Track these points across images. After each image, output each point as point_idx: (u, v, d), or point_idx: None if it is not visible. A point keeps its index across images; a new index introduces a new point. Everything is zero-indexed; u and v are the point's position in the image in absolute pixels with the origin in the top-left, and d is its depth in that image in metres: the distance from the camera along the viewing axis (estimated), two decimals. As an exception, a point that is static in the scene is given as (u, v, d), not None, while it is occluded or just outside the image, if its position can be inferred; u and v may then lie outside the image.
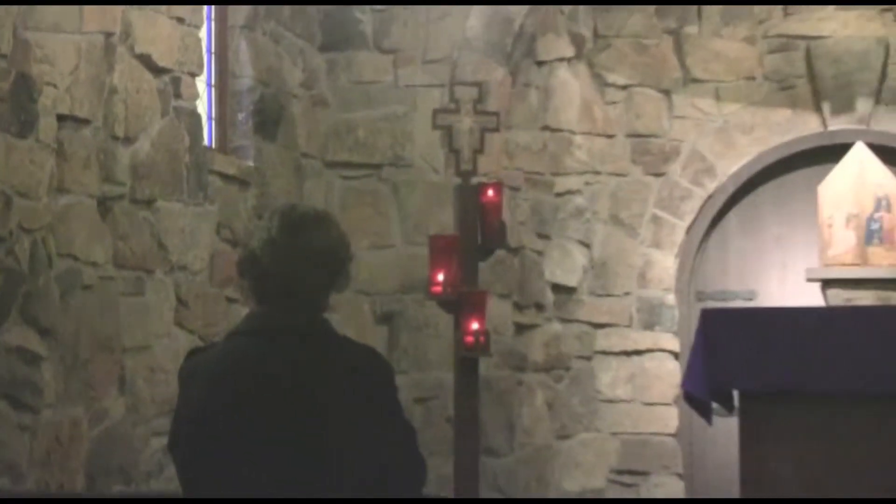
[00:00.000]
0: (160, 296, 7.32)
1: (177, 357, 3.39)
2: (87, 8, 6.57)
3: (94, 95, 6.67)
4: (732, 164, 10.75)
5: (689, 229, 10.76)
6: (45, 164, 6.26)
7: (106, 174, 6.77)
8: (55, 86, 6.32)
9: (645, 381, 10.63)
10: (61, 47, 6.37)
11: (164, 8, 7.33)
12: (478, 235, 8.40)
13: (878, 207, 9.91)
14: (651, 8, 10.78)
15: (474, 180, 8.51)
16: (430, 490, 3.87)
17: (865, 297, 9.72)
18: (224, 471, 3.45)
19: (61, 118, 6.37)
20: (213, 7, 8.42)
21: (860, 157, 9.99)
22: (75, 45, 6.49)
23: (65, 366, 6.34)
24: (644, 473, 10.56)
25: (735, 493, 7.99)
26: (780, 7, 10.76)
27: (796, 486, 7.76)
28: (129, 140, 6.99)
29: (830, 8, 10.68)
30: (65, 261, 6.40)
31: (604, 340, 10.64)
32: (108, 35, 6.79)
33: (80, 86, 6.53)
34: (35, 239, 6.15)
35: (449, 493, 8.09)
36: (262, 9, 8.77)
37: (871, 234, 9.89)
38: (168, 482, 6.66)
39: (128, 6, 6.97)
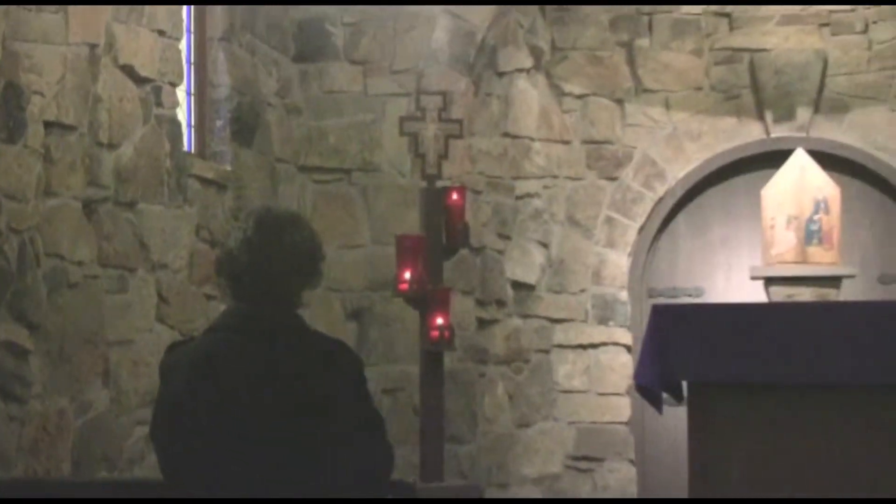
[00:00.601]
0: (142, 293, 7.30)
1: (158, 351, 3.38)
2: (73, 20, 6.55)
3: (80, 103, 6.64)
4: (681, 169, 10.78)
5: (640, 230, 10.78)
6: (33, 168, 6.23)
7: (91, 178, 6.75)
8: (42, 94, 6.29)
9: (599, 372, 10.64)
10: (48, 58, 6.35)
11: (145, 21, 7.31)
12: (442, 236, 8.40)
13: (816, 210, 9.92)
14: (605, 21, 10.80)
15: (439, 184, 8.52)
16: (398, 475, 3.87)
17: (805, 294, 9.73)
18: (203, 458, 3.47)
19: (48, 125, 6.35)
20: (192, 20, 8.40)
21: (800, 163, 10.01)
22: (61, 56, 6.47)
23: (51, 359, 6.32)
24: (599, 459, 10.57)
25: (683, 477, 7.98)
26: (725, 21, 10.79)
27: (741, 471, 7.79)
28: (112, 146, 6.96)
29: (772, 22, 10.74)
30: (51, 260, 6.37)
31: (561, 335, 10.64)
32: (93, 46, 6.77)
33: (67, 94, 6.51)
34: (23, 239, 6.12)
35: (415, 479, 8.09)
36: (238, 22, 8.75)
37: (810, 235, 9.91)
38: (150, 469, 6.62)
39: (111, 20, 6.95)
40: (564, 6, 10.73)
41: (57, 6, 6.42)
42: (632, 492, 10.54)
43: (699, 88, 10.81)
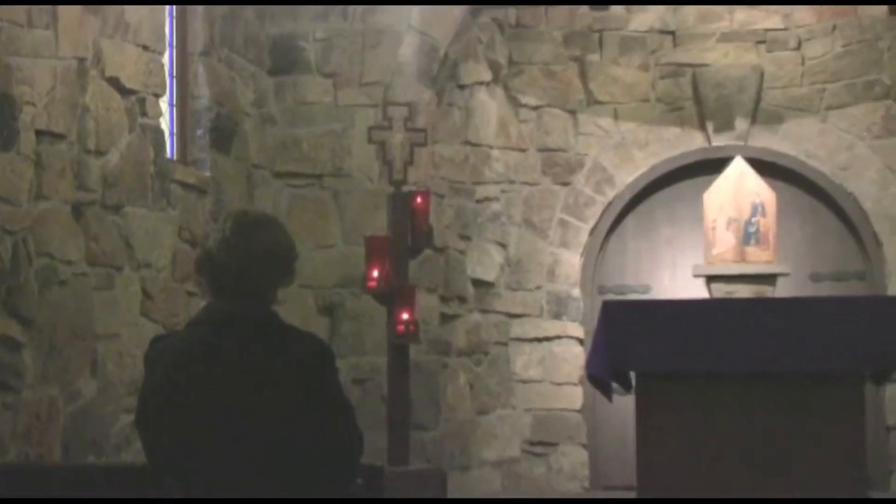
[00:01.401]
0: (128, 290, 7.26)
1: (142, 343, 3.39)
2: (63, 36, 6.52)
3: (69, 113, 6.61)
4: (629, 175, 10.82)
5: (591, 231, 10.81)
6: (25, 173, 6.20)
7: (79, 183, 6.71)
8: (34, 104, 6.26)
9: (554, 363, 10.66)
10: (39, 71, 6.32)
11: (130, 36, 7.27)
12: (408, 237, 8.40)
13: (754, 213, 9.98)
14: (559, 38, 10.83)
15: (405, 189, 8.51)
16: (367, 460, 3.87)
17: (743, 291, 9.79)
18: (185, 444, 3.44)
19: (39, 133, 6.31)
20: (174, 35, 8.37)
21: (739, 169, 10.07)
22: (52, 69, 6.44)
23: (43, 352, 6.29)
24: (553, 444, 10.60)
25: (631, 460, 8.01)
26: (669, 38, 10.85)
27: (684, 454, 7.82)
28: (100, 153, 6.93)
29: (713, 39, 10.79)
30: (43, 259, 6.34)
31: (518, 328, 10.66)
32: (81, 60, 6.74)
33: (57, 105, 6.47)
34: (16, 240, 6.08)
35: (383, 463, 8.09)
36: (217, 37, 8.73)
37: (748, 236, 9.96)
38: (136, 454, 6.61)
39: (99, 35, 6.93)
40: (522, 25, 10.77)
41: (48, 22, 6.40)
42: (584, 474, 10.57)
43: (646, 100, 10.85)
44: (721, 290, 9.84)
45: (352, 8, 9.58)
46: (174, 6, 8.39)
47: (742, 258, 9.92)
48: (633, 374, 8.03)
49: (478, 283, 10.51)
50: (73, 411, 6.59)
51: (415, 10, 9.54)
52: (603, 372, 7.95)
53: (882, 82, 10.50)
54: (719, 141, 10.70)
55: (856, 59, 10.57)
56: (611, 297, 10.22)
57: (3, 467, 4.98)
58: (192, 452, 3.43)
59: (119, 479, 4.33)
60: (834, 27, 10.67)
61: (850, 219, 10.58)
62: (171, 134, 8.32)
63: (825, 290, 10.45)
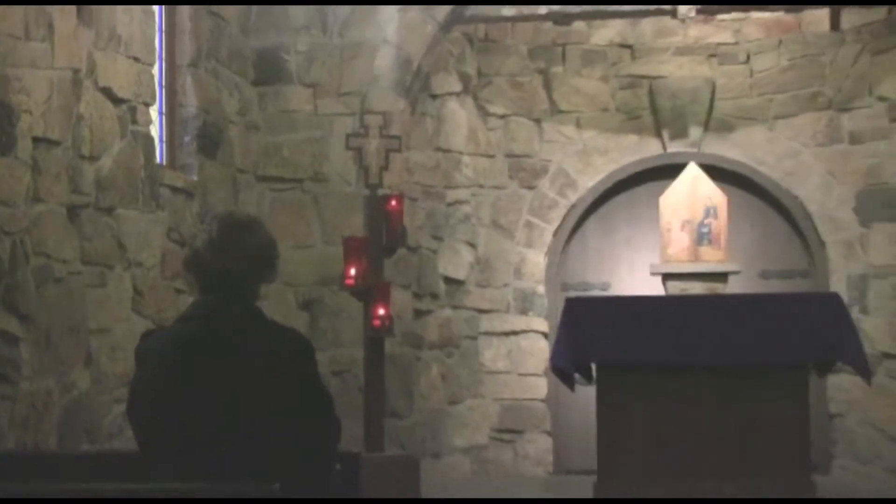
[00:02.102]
0: (119, 287, 7.23)
1: (134, 338, 3.38)
2: (59, 48, 6.49)
3: (64, 121, 6.58)
4: (590, 180, 10.85)
5: (555, 232, 10.84)
6: (23, 177, 6.17)
7: (74, 186, 6.68)
8: (31, 113, 6.23)
9: (520, 356, 10.69)
10: (36, 81, 6.29)
11: (122, 48, 7.25)
12: (383, 237, 8.41)
13: (707, 215, 9.98)
14: (525, 51, 10.86)
15: (380, 192, 8.53)
16: (344, 446, 3.87)
17: (697, 288, 9.80)
18: (173, 432, 3.45)
19: (36, 140, 6.28)
20: (163, 48, 8.35)
21: (693, 174, 10.08)
22: (48, 79, 6.41)
23: (39, 345, 6.26)
24: (519, 431, 10.62)
25: (592, 447, 8.06)
26: (628, 52, 10.89)
27: (642, 441, 7.87)
28: (93, 158, 6.90)
29: (668, 53, 10.84)
30: (39, 258, 6.31)
31: (487, 323, 10.68)
32: (76, 71, 6.72)
33: (52, 113, 6.45)
34: (14, 240, 6.06)
35: (360, 450, 8.08)
36: (204, 49, 8.71)
37: (701, 237, 9.97)
38: (127, 442, 6.59)
39: (92, 47, 6.91)
40: (490, 40, 10.79)
41: (44, 35, 6.38)
42: (548, 460, 10.60)
43: (606, 110, 10.89)
44: (676, 287, 9.86)
45: (331, 22, 9.58)
46: (163, 20, 8.37)
47: (696, 257, 9.93)
48: (594, 366, 8.08)
49: (449, 281, 10.53)
50: (68, 402, 6.57)
51: (390, 25, 9.56)
52: (566, 364, 7.99)
53: (824, 94, 10.55)
54: (674, 148, 10.75)
55: (800, 72, 10.62)
56: (573, 293, 10.20)
57: (2, 454, 4.96)
58: (181, 440, 3.44)
59: (110, 465, 4.30)
60: (780, 42, 10.73)
61: (796, 220, 10.64)
62: (161, 140, 8.29)
63: (773, 287, 10.50)
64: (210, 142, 8.76)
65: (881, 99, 10.32)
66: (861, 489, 8.95)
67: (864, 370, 7.90)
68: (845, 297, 9.05)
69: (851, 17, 10.40)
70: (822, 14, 10.43)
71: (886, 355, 10.11)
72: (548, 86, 10.88)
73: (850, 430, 10.26)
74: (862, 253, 10.37)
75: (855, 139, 10.44)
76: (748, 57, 10.79)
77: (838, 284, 10.22)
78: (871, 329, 10.07)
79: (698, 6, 9.83)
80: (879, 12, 10.23)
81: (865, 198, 10.37)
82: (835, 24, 10.46)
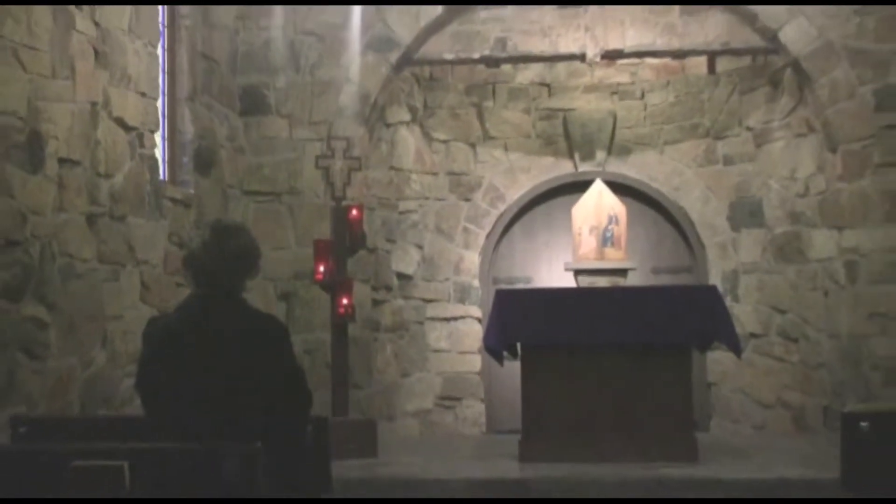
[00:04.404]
0: (130, 281, 7.22)
1: (141, 323, 3.40)
2: (79, 85, 6.47)
3: (84, 145, 6.58)
4: (516, 193, 10.89)
5: (487, 236, 10.86)
6: (50, 191, 6.17)
7: (92, 199, 6.67)
8: (57, 138, 6.22)
9: (458, 337, 10.70)
10: (61, 112, 6.29)
11: (132, 85, 7.24)
12: (346, 240, 8.45)
13: (610, 222, 10.00)
14: (462, 88, 10.89)
15: (344, 203, 8.57)
16: (315, 412, 3.88)
17: (602, 281, 9.80)
18: (174, 400, 3.46)
19: (61, 160, 6.28)
20: (165, 84, 8.32)
21: (599, 189, 10.10)
22: (71, 111, 6.41)
23: (64, 329, 6.25)
24: (458, 399, 10.64)
25: (518, 410, 8.05)
26: (546, 89, 10.93)
27: (558, 405, 7.91)
28: (108, 175, 6.89)
29: (579, 91, 10.89)
30: (64, 258, 6.30)
31: (431, 311, 10.68)
32: (94, 104, 6.71)
33: (74, 139, 6.44)
34: (43, 243, 6.05)
35: (328, 415, 8.08)
36: (199, 86, 8.69)
37: (605, 240, 9.99)
38: (136, 408, 6.61)
39: (107, 84, 6.90)
40: (434, 79, 10.84)
41: (68, 74, 6.37)
42: (482, 422, 10.62)
43: (528, 136, 10.93)
44: (585, 281, 9.90)
45: (303, 64, 9.57)
46: (165, 62, 8.35)
47: (601, 256, 9.95)
48: (518, 345, 8.14)
49: (400, 276, 10.54)
50: (88, 376, 6.56)
51: (352, 67, 9.56)
52: (496, 343, 8.02)
53: (703, 125, 10.65)
54: (584, 167, 10.79)
55: (684, 107, 10.71)
56: (502, 286, 10.22)
57: (36, 418, 4.96)
58: (180, 407, 3.44)
59: (123, 427, 4.30)
60: (668, 83, 10.83)
61: (682, 226, 10.71)
62: (163, 161, 8.27)
63: (663, 280, 10.58)
64: (204, 162, 8.75)
65: (748, 129, 10.42)
66: (733, 443, 9.05)
67: (735, 348, 7.95)
68: (721, 289, 9.15)
69: (724, 63, 10.51)
70: (701, 60, 10.54)
71: (753, 335, 10.22)
72: (481, 117, 10.92)
73: (723, 395, 10.38)
74: (733, 253, 10.46)
75: (727, 161, 10.54)
76: (643, 94, 10.86)
77: (715, 278, 10.33)
78: (741, 314, 10.16)
79: (602, 52, 9.92)
80: (746, 60, 10.36)
81: (736, 208, 10.47)
82: (711, 68, 10.57)
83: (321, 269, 8.24)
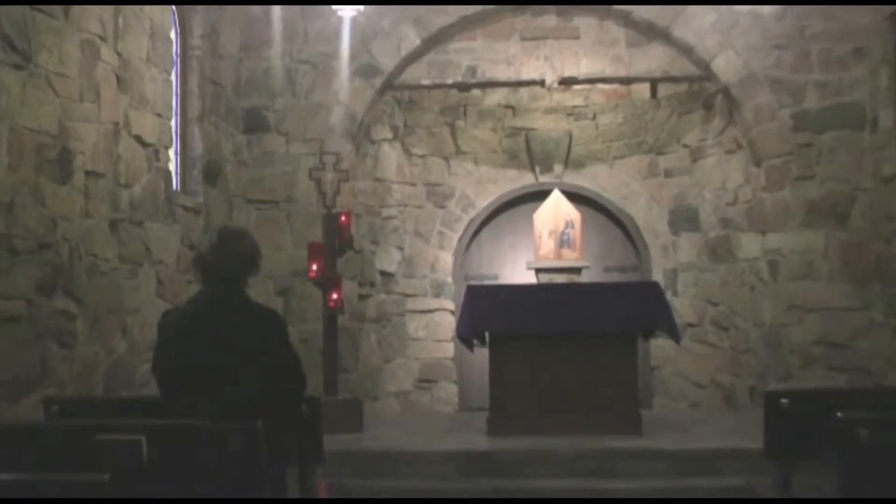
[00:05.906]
0: (147, 279, 7.21)
1: (157, 315, 3.40)
2: (103, 107, 6.47)
3: (107, 160, 6.58)
4: (485, 201, 10.87)
5: (459, 239, 10.85)
6: (77, 200, 6.17)
7: (114, 206, 6.67)
8: (83, 154, 6.22)
9: (434, 327, 10.68)
10: (87, 131, 6.29)
11: (149, 108, 7.25)
12: (336, 243, 8.48)
13: (567, 226, 9.95)
14: (437, 109, 10.87)
15: (334, 210, 8.59)
16: (309, 392, 3.87)
17: (560, 278, 9.78)
18: (186, 383, 3.46)
19: (87, 173, 6.27)
20: (178, 106, 8.32)
21: (556, 198, 10.06)
22: (96, 130, 6.41)
23: (89, 321, 6.25)
24: (434, 381, 10.62)
25: (486, 391, 8.05)
26: (511, 111, 10.92)
27: (521, 386, 7.93)
28: (128, 186, 6.89)
29: (539, 112, 10.88)
30: (89, 258, 6.30)
31: (411, 304, 10.65)
32: (116, 124, 6.70)
33: (99, 154, 6.44)
34: (71, 245, 6.05)
35: (321, 395, 8.09)
36: (207, 107, 8.69)
37: (563, 242, 9.97)
38: (152, 390, 6.62)
39: (127, 106, 6.90)
40: (412, 102, 10.86)
41: (94, 98, 6.37)
42: (455, 401, 10.59)
43: (495, 152, 10.92)
44: (545, 278, 9.87)
45: (299, 89, 9.60)
46: (178, 86, 8.35)
47: (559, 256, 9.94)
48: (487, 334, 8.17)
49: (383, 274, 10.53)
50: (111, 362, 6.56)
51: (342, 91, 9.59)
52: (467, 333, 8.04)
53: (647, 142, 10.66)
54: (543, 179, 10.77)
55: (630, 126, 10.73)
56: (472, 282, 10.24)
57: (65, 399, 4.98)
58: (191, 389, 3.45)
59: (141, 406, 4.33)
60: (616, 105, 10.84)
61: (629, 231, 10.71)
62: (176, 173, 8.27)
63: (613, 277, 10.58)
64: (212, 174, 8.75)
65: (685, 146, 10.45)
66: (673, 419, 9.11)
67: (675, 336, 7.98)
68: (662, 285, 9.19)
69: (665, 88, 10.54)
70: (645, 86, 10.54)
71: (690, 325, 10.28)
72: (454, 134, 10.92)
73: (665, 377, 10.44)
74: (673, 254, 10.50)
75: (668, 174, 10.56)
76: (594, 115, 10.85)
77: (657, 275, 10.36)
78: (680, 307, 10.22)
79: (560, 79, 9.97)
80: (683, 86, 10.40)
81: (675, 215, 10.50)
82: (654, 93, 10.57)
83: (314, 267, 8.27)
